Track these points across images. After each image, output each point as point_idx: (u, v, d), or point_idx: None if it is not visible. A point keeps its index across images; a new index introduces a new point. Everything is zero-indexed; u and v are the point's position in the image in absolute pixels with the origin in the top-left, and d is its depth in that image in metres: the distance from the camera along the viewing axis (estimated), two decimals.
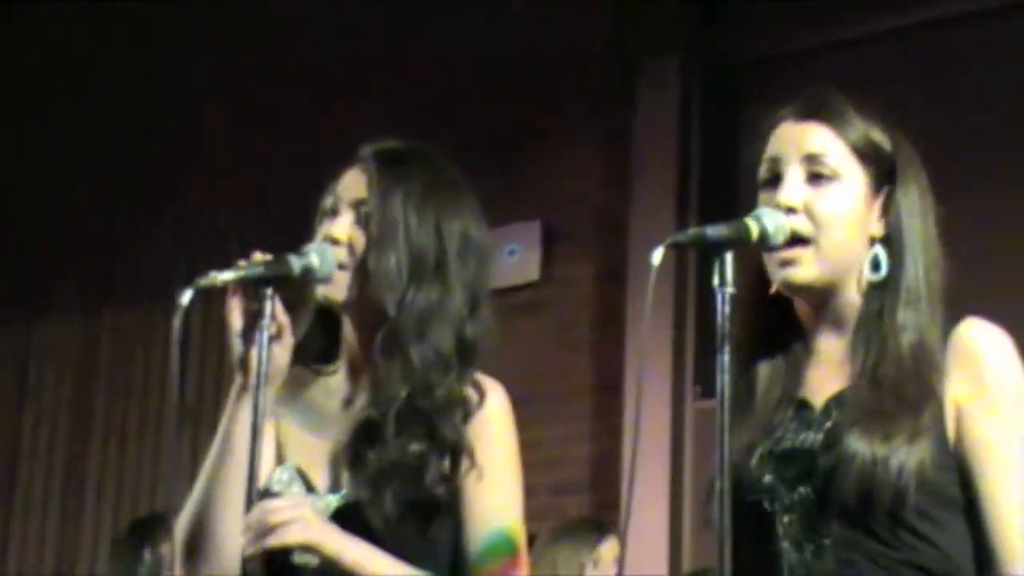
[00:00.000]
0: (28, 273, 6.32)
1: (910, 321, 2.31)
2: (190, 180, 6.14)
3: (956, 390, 2.29)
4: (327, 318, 2.62)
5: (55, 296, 6.30)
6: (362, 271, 2.54)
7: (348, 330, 2.59)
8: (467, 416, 2.49)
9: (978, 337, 2.31)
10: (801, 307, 2.40)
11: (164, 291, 5.83)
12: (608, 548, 4.27)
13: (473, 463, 2.47)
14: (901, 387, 2.26)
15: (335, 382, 2.61)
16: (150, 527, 4.30)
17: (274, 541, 2.35)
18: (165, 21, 6.25)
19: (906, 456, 2.21)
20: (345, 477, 2.49)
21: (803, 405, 2.36)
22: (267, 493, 2.50)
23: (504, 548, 2.48)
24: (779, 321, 2.41)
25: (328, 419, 2.56)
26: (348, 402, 2.57)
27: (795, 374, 2.39)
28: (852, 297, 2.36)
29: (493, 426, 2.51)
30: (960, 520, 2.27)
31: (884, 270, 2.35)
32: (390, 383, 2.50)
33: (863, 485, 2.21)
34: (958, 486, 2.26)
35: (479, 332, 2.55)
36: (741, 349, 2.38)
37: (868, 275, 2.36)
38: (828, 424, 2.29)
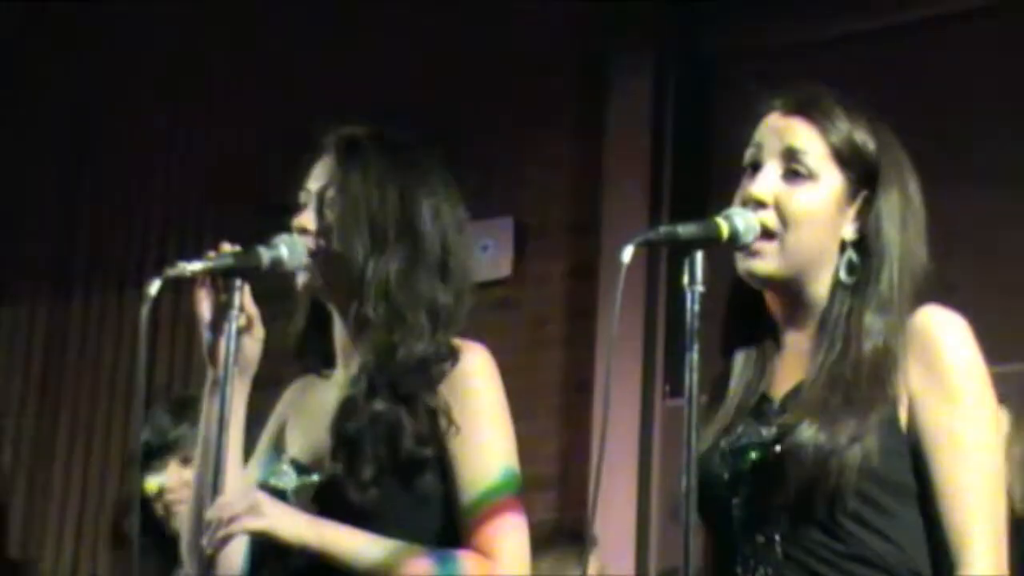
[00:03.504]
0: None
1: (877, 326, 2.32)
2: (157, 167, 6.11)
3: (911, 378, 2.29)
4: (323, 320, 2.64)
5: (22, 279, 6.27)
6: (328, 254, 2.55)
7: (336, 321, 2.61)
8: (441, 376, 2.49)
9: (934, 324, 2.31)
10: (771, 300, 2.42)
11: (134, 277, 5.84)
12: (594, 561, 4.23)
13: (451, 421, 2.47)
14: (855, 390, 2.27)
15: (336, 378, 2.62)
16: None
17: (226, 533, 2.37)
18: (126, 8, 6.20)
19: (848, 453, 2.21)
20: (326, 455, 2.51)
21: (764, 400, 2.38)
22: (267, 487, 2.52)
23: (512, 484, 2.48)
24: (757, 314, 2.43)
25: (325, 410, 2.57)
26: (342, 389, 2.59)
27: (762, 368, 2.41)
28: (819, 295, 2.37)
29: (472, 381, 2.51)
30: (914, 511, 2.27)
31: (857, 274, 2.36)
32: (367, 355, 2.51)
33: (804, 480, 2.22)
34: (912, 474, 2.26)
35: (452, 299, 2.57)
36: (723, 342, 2.43)
37: (844, 278, 2.36)
38: (781, 419, 2.31)
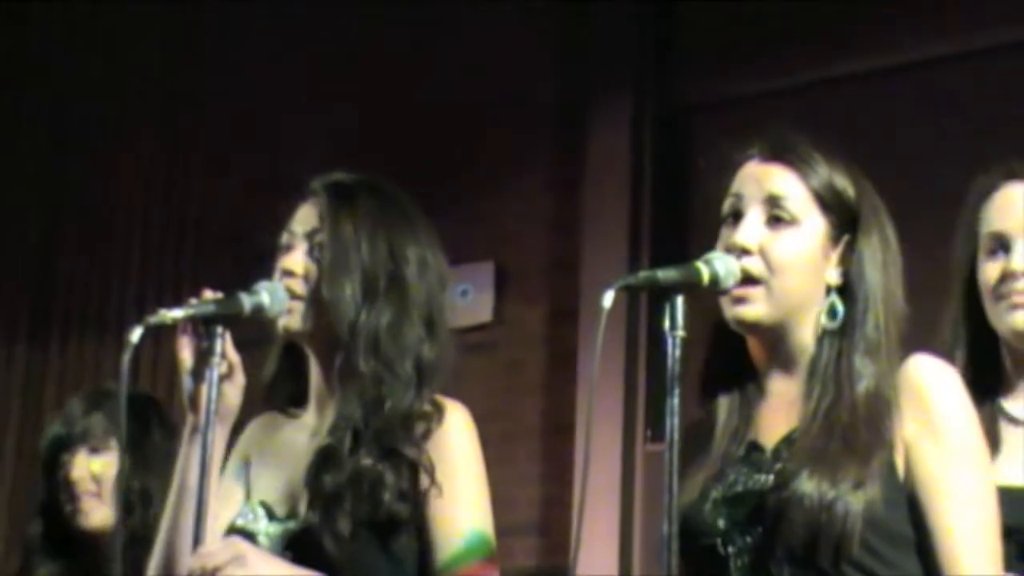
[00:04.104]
0: None
1: (867, 370, 2.33)
2: (132, 212, 6.12)
3: (905, 427, 2.30)
4: (296, 361, 2.64)
5: None
6: (316, 300, 2.56)
7: (313, 365, 2.61)
8: (427, 433, 2.49)
9: (925, 373, 2.33)
10: (754, 347, 2.42)
11: (113, 324, 5.83)
12: None
13: (433, 480, 2.47)
14: (853, 434, 2.28)
15: (305, 420, 2.62)
16: None
17: None
18: (101, 54, 6.23)
19: (853, 500, 2.22)
20: (303, 503, 2.50)
21: (754, 447, 2.38)
22: (233, 529, 2.51)
23: (483, 548, 2.49)
24: (738, 360, 2.43)
25: (297, 453, 2.57)
26: (315, 434, 2.59)
27: (747, 415, 2.41)
28: (804, 341, 2.38)
29: (453, 441, 2.52)
30: (914, 560, 2.28)
31: (840, 319, 2.37)
32: (348, 406, 2.51)
33: (809, 528, 2.22)
34: (909, 524, 2.28)
35: (437, 353, 2.58)
36: (703, 388, 2.42)
37: (825, 323, 2.37)
38: (778, 466, 2.31)
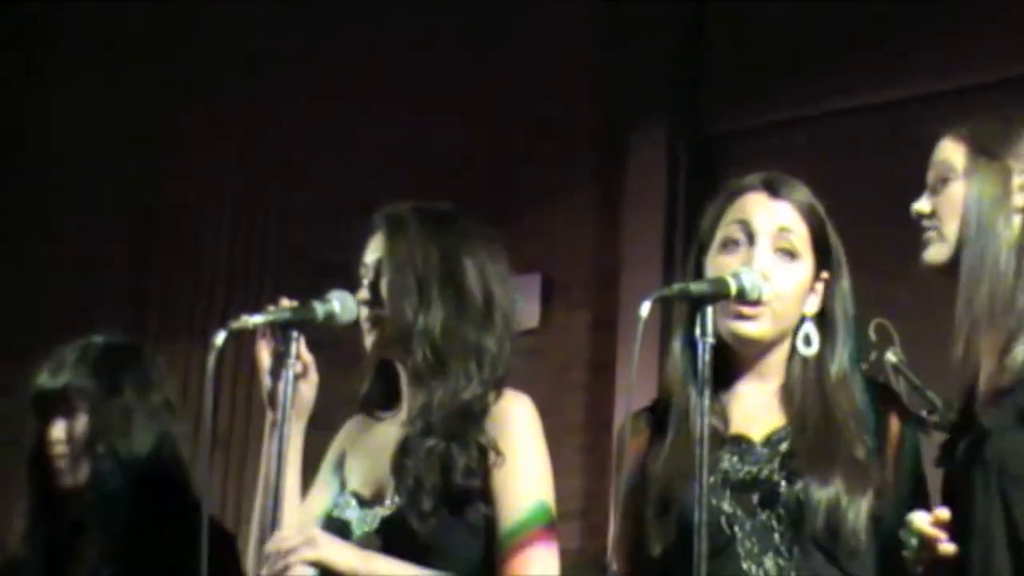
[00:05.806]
0: (56, 308, 6.42)
1: (847, 392, 2.62)
2: (216, 232, 6.30)
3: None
4: (388, 371, 2.86)
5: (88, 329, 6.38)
6: (382, 318, 2.79)
7: (401, 373, 2.83)
8: (484, 412, 2.68)
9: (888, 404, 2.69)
10: (735, 356, 2.66)
11: (200, 332, 5.99)
12: None
13: (498, 452, 2.65)
14: (853, 449, 2.56)
15: (396, 421, 2.82)
16: None
17: (285, 563, 2.57)
18: (186, 70, 6.44)
19: (860, 505, 2.52)
20: (389, 490, 2.71)
21: (740, 440, 2.62)
22: (331, 519, 2.73)
23: (544, 516, 2.68)
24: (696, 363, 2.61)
25: (386, 447, 2.76)
26: (402, 429, 2.78)
27: (721, 413, 2.63)
28: (780, 357, 2.66)
29: (512, 418, 2.71)
30: (873, 553, 2.56)
31: (815, 346, 2.63)
32: (419, 399, 2.72)
33: (831, 523, 2.50)
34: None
35: (496, 345, 2.77)
36: (663, 389, 2.69)
37: (801, 349, 2.64)
38: (779, 457, 2.57)
